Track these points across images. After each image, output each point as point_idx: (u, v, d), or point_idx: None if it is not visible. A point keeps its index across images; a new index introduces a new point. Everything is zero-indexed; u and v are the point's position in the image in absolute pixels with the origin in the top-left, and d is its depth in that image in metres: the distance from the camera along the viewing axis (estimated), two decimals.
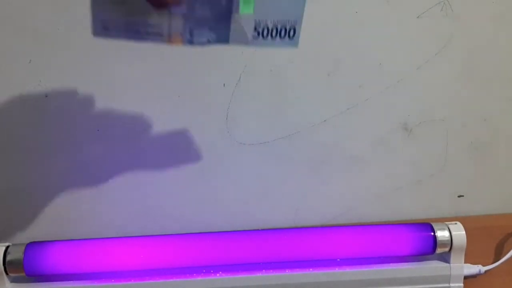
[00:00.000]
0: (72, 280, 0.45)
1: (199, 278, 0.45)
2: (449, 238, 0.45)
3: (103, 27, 0.35)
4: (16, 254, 0.43)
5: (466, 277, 0.46)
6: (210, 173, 0.52)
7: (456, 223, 0.46)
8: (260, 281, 0.45)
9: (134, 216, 0.52)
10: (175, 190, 0.52)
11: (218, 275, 0.45)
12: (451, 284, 0.46)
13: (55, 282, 0.44)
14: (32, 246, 0.44)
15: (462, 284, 0.46)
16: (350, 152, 0.52)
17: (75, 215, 0.52)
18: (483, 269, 0.48)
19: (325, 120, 0.51)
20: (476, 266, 0.48)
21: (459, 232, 0.45)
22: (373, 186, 0.54)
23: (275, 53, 0.49)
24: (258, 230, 0.47)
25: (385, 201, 0.54)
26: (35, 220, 0.52)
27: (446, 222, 0.46)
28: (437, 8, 0.49)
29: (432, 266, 0.46)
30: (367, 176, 0.53)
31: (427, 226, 0.46)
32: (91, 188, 0.51)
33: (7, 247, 0.43)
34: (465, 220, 0.46)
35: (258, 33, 0.37)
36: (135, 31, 0.35)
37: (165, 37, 0.35)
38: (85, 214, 0.52)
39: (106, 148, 0.50)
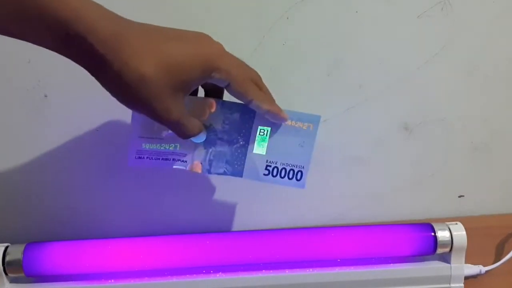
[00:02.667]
0: (72, 281, 0.45)
1: (199, 278, 0.45)
2: (450, 239, 0.45)
3: (138, 157, 0.41)
4: (15, 254, 0.43)
5: (466, 278, 0.46)
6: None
7: (456, 223, 0.46)
8: (260, 281, 0.45)
9: (134, 216, 0.52)
10: (175, 191, 0.52)
11: (218, 275, 0.45)
12: (452, 285, 0.46)
13: (54, 283, 0.44)
14: (31, 246, 0.44)
15: (462, 285, 0.46)
16: (350, 152, 0.52)
17: (75, 215, 0.52)
18: (484, 269, 0.48)
19: (325, 120, 0.51)
20: (476, 266, 0.48)
21: (459, 232, 0.45)
22: (373, 186, 0.54)
23: (275, 53, 0.49)
24: (258, 230, 0.47)
25: (385, 201, 0.54)
26: (34, 220, 0.52)
27: (447, 222, 0.46)
28: (437, 8, 0.49)
29: (432, 267, 0.46)
30: (367, 176, 0.53)
31: (427, 226, 0.46)
32: (91, 188, 0.51)
33: (6, 247, 0.43)
34: (465, 220, 0.46)
35: (269, 172, 0.42)
36: (165, 159, 0.41)
37: (188, 164, 0.42)
38: (85, 214, 0.52)
39: (106, 148, 0.50)
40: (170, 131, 0.39)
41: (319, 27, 0.49)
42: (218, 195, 0.53)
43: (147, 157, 0.41)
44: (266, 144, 0.42)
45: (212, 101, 0.41)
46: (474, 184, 0.55)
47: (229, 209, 0.53)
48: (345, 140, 0.52)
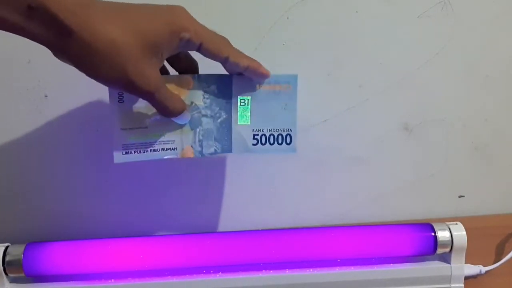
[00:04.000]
0: (72, 280, 0.45)
1: (199, 278, 0.45)
2: (450, 239, 0.45)
3: (126, 152, 0.39)
4: (16, 254, 0.43)
5: (466, 278, 0.46)
6: (209, 173, 0.52)
7: (456, 223, 0.46)
8: (260, 281, 0.45)
9: (134, 216, 0.52)
10: (175, 190, 0.52)
11: (218, 275, 0.45)
12: (452, 285, 0.46)
13: (54, 283, 0.44)
14: (31, 246, 0.44)
15: (462, 285, 0.46)
16: (350, 152, 0.52)
17: (75, 215, 0.52)
18: (484, 269, 0.48)
19: (325, 120, 0.51)
20: (476, 266, 0.48)
21: (459, 233, 0.45)
22: (373, 186, 0.54)
23: (275, 53, 0.49)
24: (258, 230, 0.47)
25: (385, 201, 0.54)
26: (34, 220, 0.52)
27: (447, 223, 0.46)
28: (437, 8, 0.49)
29: (432, 267, 0.46)
30: (367, 176, 0.53)
31: (427, 227, 0.46)
32: (91, 188, 0.51)
33: (7, 247, 0.43)
34: (465, 220, 0.46)
35: (257, 141, 0.41)
36: (154, 150, 0.40)
37: (178, 151, 0.40)
38: (85, 214, 0.52)
39: (106, 149, 0.50)
40: (152, 118, 0.38)
41: (319, 27, 0.49)
42: (218, 195, 0.53)
43: (134, 151, 0.39)
44: (249, 113, 0.41)
45: (188, 77, 0.40)
46: (474, 184, 0.55)
47: (229, 209, 0.53)
48: (345, 140, 0.52)
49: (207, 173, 0.52)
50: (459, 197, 0.55)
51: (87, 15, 0.31)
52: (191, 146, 0.40)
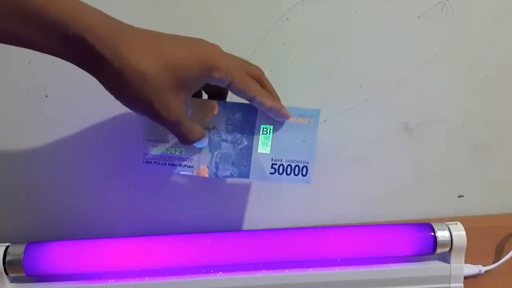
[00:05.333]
0: (72, 280, 0.45)
1: (199, 278, 0.45)
2: (449, 238, 0.45)
3: (146, 161, 0.41)
4: (16, 254, 0.43)
5: (466, 277, 0.46)
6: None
7: (456, 223, 0.46)
8: (260, 281, 0.45)
9: (134, 216, 0.52)
10: (175, 190, 0.52)
11: (218, 275, 0.45)
12: (451, 284, 0.46)
13: (54, 282, 0.44)
14: (32, 246, 0.44)
15: (462, 284, 0.46)
16: (350, 152, 0.52)
17: (75, 215, 0.52)
18: (483, 269, 0.48)
19: (325, 120, 0.51)
20: (476, 266, 0.48)
21: (459, 232, 0.45)
22: (373, 186, 0.54)
23: (275, 53, 0.49)
24: (258, 230, 0.47)
25: (385, 201, 0.54)
26: (35, 220, 0.52)
27: (447, 222, 0.46)
28: (437, 8, 0.49)
29: (432, 266, 0.46)
30: (367, 176, 0.53)
31: (427, 226, 0.46)
32: (91, 188, 0.51)
33: (7, 247, 0.43)
34: (465, 220, 0.46)
35: (275, 170, 0.42)
36: (172, 164, 0.42)
37: (195, 170, 0.42)
38: (85, 214, 0.52)
39: (106, 149, 0.50)
40: None
41: (319, 27, 0.49)
42: (218, 195, 0.53)
43: (154, 162, 0.42)
44: (270, 142, 0.42)
45: (214, 102, 0.41)
46: (474, 184, 0.55)
47: (229, 209, 0.53)
48: (345, 140, 0.52)
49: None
50: (459, 197, 0.55)
51: (121, 45, 0.32)
52: (207, 167, 0.42)
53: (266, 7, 0.48)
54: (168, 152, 0.41)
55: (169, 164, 0.42)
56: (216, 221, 0.53)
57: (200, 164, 0.42)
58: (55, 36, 0.31)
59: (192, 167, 0.42)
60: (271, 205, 0.53)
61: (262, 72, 0.40)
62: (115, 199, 0.52)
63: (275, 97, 0.40)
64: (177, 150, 0.42)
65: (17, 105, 0.48)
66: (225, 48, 0.45)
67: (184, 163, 0.42)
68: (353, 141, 0.52)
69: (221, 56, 0.36)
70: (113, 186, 0.51)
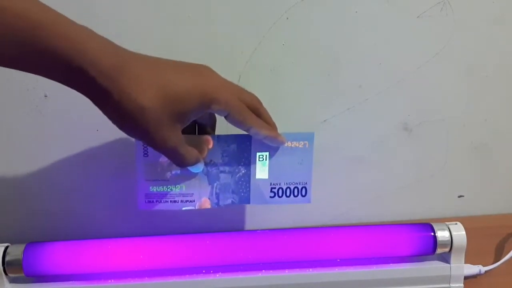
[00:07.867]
0: (71, 281, 0.45)
1: (199, 278, 0.45)
2: (449, 239, 0.45)
3: (148, 201, 0.42)
4: (15, 254, 0.43)
5: (466, 278, 0.46)
6: None
7: (456, 223, 0.46)
8: (260, 281, 0.45)
9: (134, 216, 0.52)
10: None
11: (218, 275, 0.45)
12: (451, 285, 0.46)
13: (54, 283, 0.44)
14: (31, 246, 0.44)
15: (462, 285, 0.46)
16: (350, 152, 0.52)
17: (75, 215, 0.52)
18: (483, 269, 0.48)
19: (325, 120, 0.51)
20: (476, 266, 0.48)
21: (459, 233, 0.45)
22: (373, 186, 0.54)
23: (275, 53, 0.49)
24: (258, 230, 0.47)
25: (385, 201, 0.54)
26: (34, 220, 0.52)
27: (447, 223, 0.46)
28: (437, 8, 0.49)
29: (432, 267, 0.46)
30: (367, 176, 0.53)
31: (427, 226, 0.46)
32: (90, 188, 0.51)
33: (6, 247, 0.43)
34: (465, 220, 0.46)
35: (274, 194, 0.43)
36: (174, 201, 0.43)
37: (196, 204, 0.43)
38: (85, 214, 0.52)
39: (106, 148, 0.50)
40: (173, 172, 0.41)
41: (319, 27, 0.48)
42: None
43: (156, 200, 0.42)
44: (267, 168, 0.43)
45: (208, 137, 0.42)
46: (474, 184, 0.55)
47: (229, 209, 0.53)
48: (345, 140, 0.52)
49: None
50: (459, 197, 0.55)
51: (122, 77, 0.33)
52: (209, 198, 0.43)
53: (266, 7, 0.47)
54: (168, 190, 0.42)
55: (170, 201, 0.42)
56: (216, 221, 0.53)
57: (201, 197, 0.43)
58: (59, 68, 0.31)
59: (194, 201, 0.43)
60: (271, 205, 0.53)
61: (259, 101, 0.41)
62: (115, 199, 0.52)
63: (272, 125, 0.41)
64: (177, 187, 0.42)
65: (17, 105, 0.48)
66: (225, 48, 0.46)
67: (185, 198, 0.43)
68: (353, 141, 0.52)
69: (221, 88, 0.37)
70: (112, 186, 0.51)
